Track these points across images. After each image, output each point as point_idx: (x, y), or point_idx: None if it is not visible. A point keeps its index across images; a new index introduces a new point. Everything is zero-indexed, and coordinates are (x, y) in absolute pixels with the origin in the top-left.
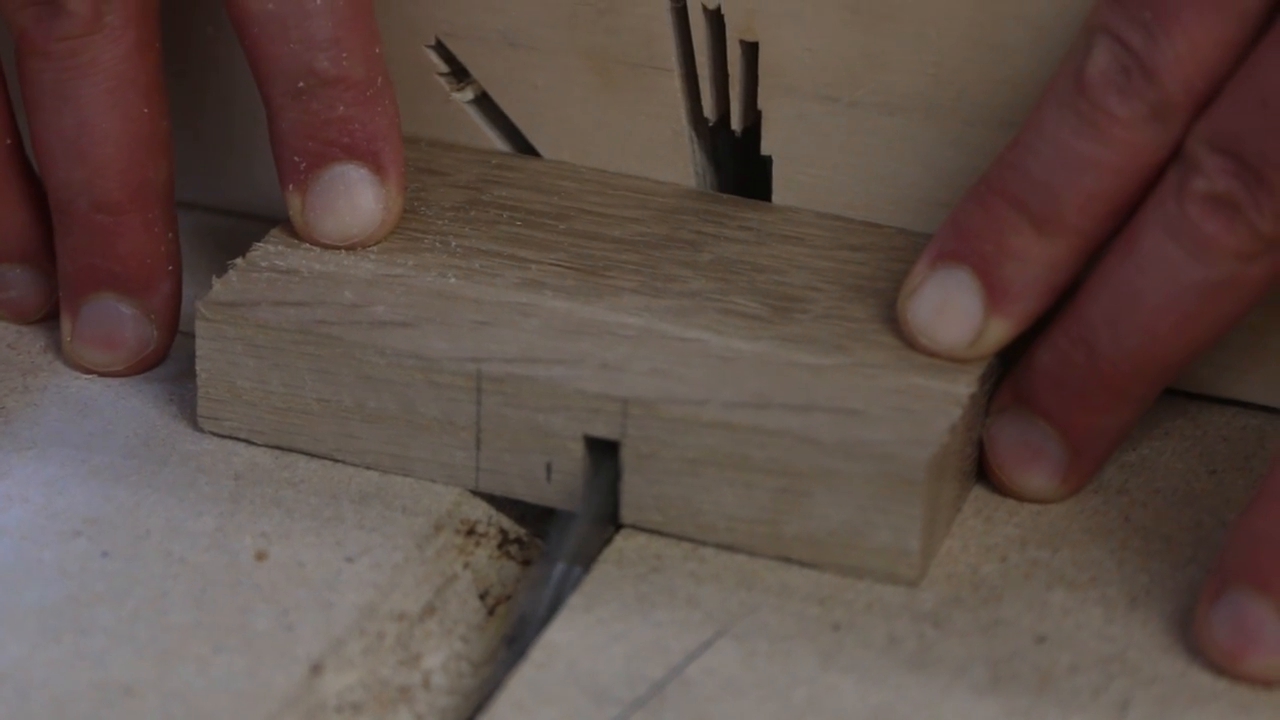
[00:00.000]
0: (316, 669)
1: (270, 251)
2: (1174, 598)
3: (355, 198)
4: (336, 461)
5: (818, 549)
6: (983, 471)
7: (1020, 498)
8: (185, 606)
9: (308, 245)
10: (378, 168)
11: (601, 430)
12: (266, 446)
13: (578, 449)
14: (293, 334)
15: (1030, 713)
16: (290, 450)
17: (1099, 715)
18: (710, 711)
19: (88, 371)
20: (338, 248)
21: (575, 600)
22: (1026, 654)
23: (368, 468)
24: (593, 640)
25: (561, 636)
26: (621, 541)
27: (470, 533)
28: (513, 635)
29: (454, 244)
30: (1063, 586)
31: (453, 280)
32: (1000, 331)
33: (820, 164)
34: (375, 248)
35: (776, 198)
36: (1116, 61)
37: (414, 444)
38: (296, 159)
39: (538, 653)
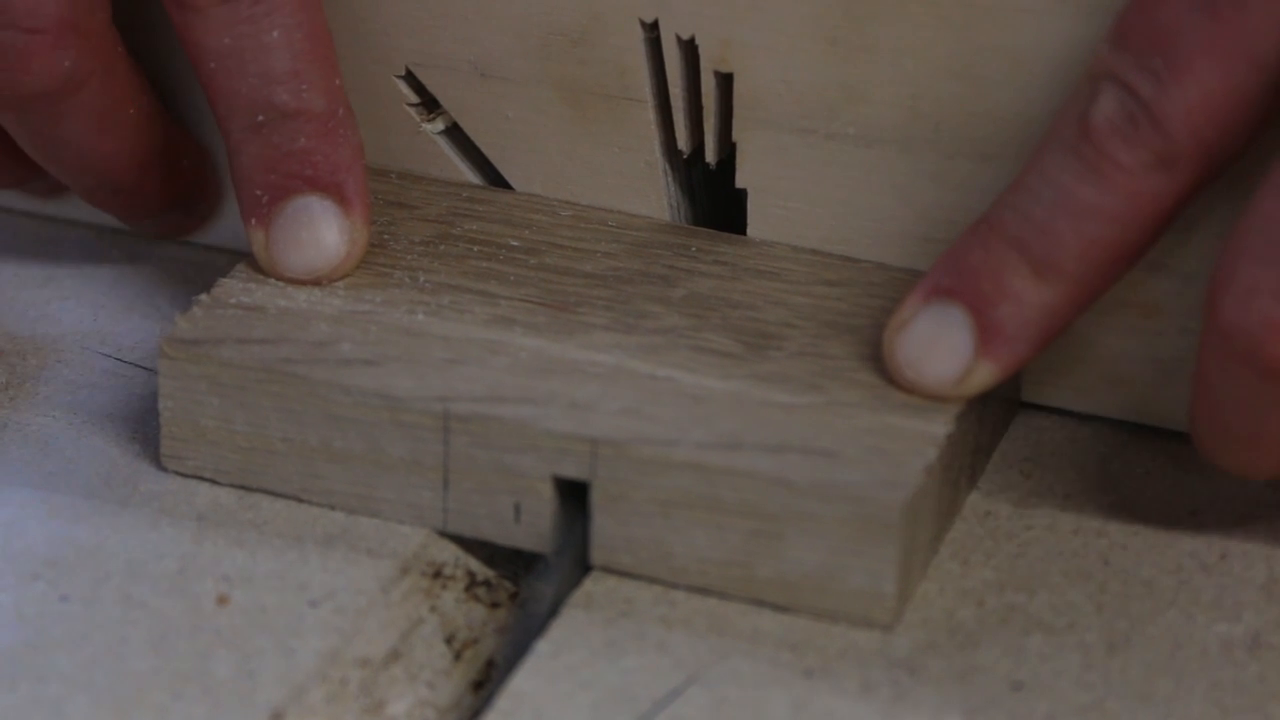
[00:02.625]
0: (277, 717)
1: (235, 288)
2: (1154, 644)
3: (319, 231)
4: (302, 502)
5: (791, 592)
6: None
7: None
8: (144, 653)
9: (274, 281)
10: (341, 199)
11: (571, 471)
12: (231, 486)
13: (547, 490)
14: (257, 372)
15: None
16: (255, 490)
17: None
18: None
19: (289, 279)
20: (303, 283)
21: (542, 646)
22: (1003, 702)
23: (334, 508)
24: (559, 688)
25: (527, 684)
26: (590, 584)
27: (437, 575)
28: (480, 680)
29: (423, 279)
30: (1040, 631)
31: (421, 317)
32: (987, 374)
33: (796, 197)
34: (342, 283)
35: (752, 231)
36: (1123, 109)
37: (381, 484)
38: (258, 193)
39: (503, 701)
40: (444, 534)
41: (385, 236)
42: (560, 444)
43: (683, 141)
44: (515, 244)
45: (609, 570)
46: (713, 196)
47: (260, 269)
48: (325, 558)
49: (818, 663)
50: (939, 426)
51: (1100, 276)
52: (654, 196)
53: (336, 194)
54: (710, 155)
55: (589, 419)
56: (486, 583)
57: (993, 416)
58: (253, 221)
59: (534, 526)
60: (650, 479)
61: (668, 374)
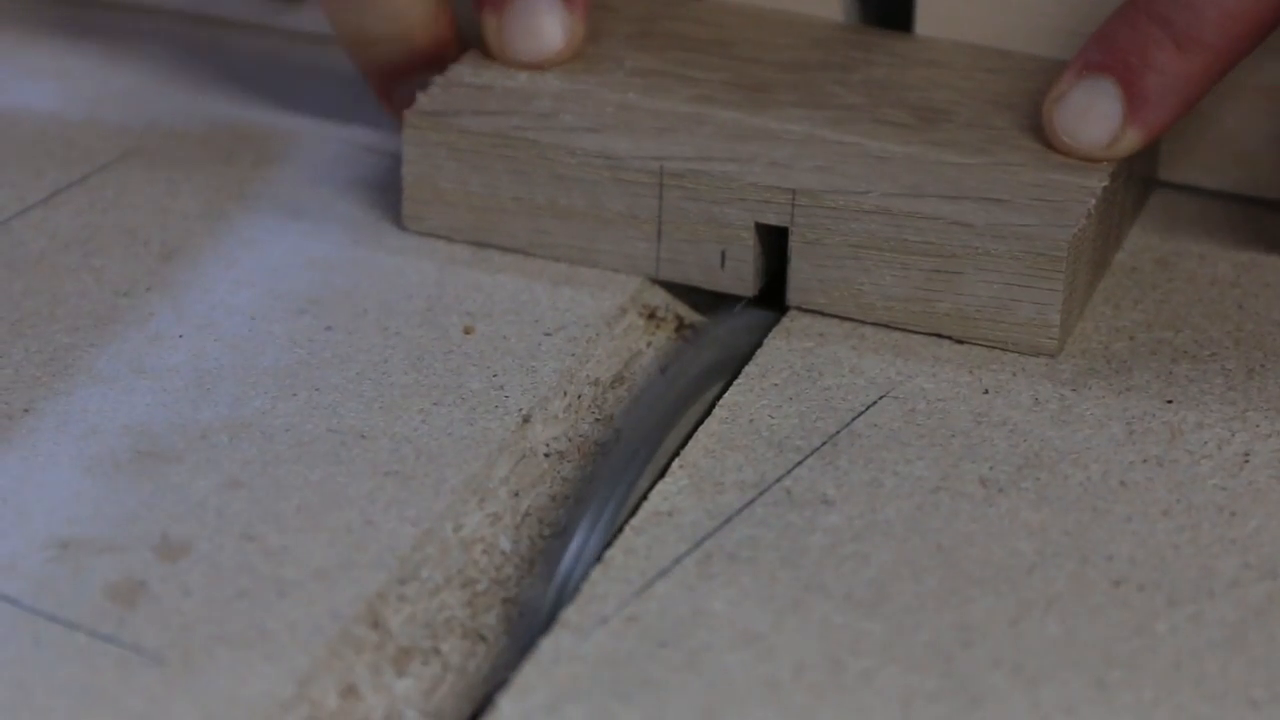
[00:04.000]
0: (527, 419)
1: (465, 71)
2: None
3: (544, 21)
4: (529, 255)
5: (967, 324)
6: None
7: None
8: (405, 370)
9: (498, 67)
10: None
11: (772, 219)
12: (465, 243)
13: (750, 237)
14: (491, 138)
15: (1163, 460)
16: (487, 245)
17: (1224, 463)
18: (879, 457)
19: (514, 64)
20: (526, 67)
21: (750, 368)
22: (1157, 414)
23: (557, 260)
24: (769, 400)
25: (741, 398)
26: (788, 321)
27: (651, 316)
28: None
29: (629, 65)
30: (1186, 360)
31: (631, 95)
32: (1135, 137)
33: None
34: (558, 70)
35: (919, 29)
36: None
37: (600, 237)
38: None
39: (721, 410)
40: (655, 281)
41: (595, 31)
42: (763, 195)
43: None
44: (709, 39)
45: (804, 309)
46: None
47: (488, 55)
48: (554, 298)
49: (993, 382)
50: (1096, 180)
51: (1235, 47)
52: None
53: None
54: None
55: (787, 174)
56: (693, 325)
57: (1135, 188)
58: (486, 10)
59: (738, 271)
60: (843, 224)
61: (854, 140)
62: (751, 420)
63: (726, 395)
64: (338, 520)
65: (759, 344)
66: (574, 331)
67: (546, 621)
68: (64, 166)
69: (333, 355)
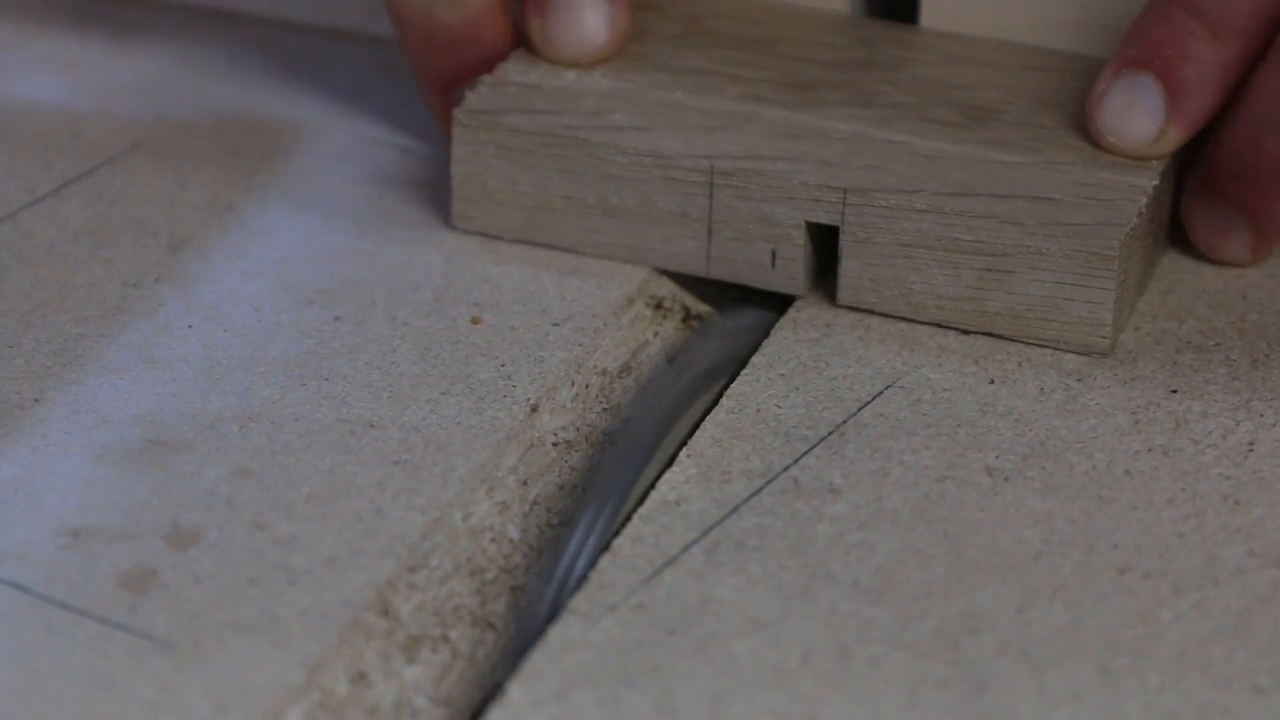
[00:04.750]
0: (534, 409)
1: (513, 70)
2: None
3: (588, 15)
4: (579, 253)
5: (1018, 323)
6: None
7: (1222, 264)
8: (413, 359)
9: (546, 66)
10: None
11: (823, 217)
12: (515, 242)
13: (800, 236)
14: (541, 137)
15: (1168, 449)
16: (536, 244)
17: (1228, 452)
18: (885, 446)
19: (560, 61)
20: (572, 63)
21: (756, 359)
22: (1162, 403)
23: (607, 259)
24: (776, 390)
25: (748, 388)
26: (794, 312)
27: (658, 306)
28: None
29: (675, 65)
30: (1191, 350)
31: (679, 94)
32: (1179, 130)
33: None
34: (606, 68)
35: (925, 20)
36: None
37: (650, 236)
38: None
39: (728, 400)
40: (662, 272)
41: (640, 30)
42: (814, 194)
43: None
44: (754, 37)
45: (855, 308)
46: None
47: (533, 55)
48: (562, 288)
49: (998, 372)
50: (1146, 179)
51: (1268, 30)
52: None
53: None
54: None
55: (838, 172)
56: (699, 316)
57: (1177, 184)
58: (530, 9)
59: (788, 270)
60: (894, 223)
61: (903, 138)
62: (758, 410)
63: (733, 385)
64: (347, 509)
65: (765, 337)
66: (581, 322)
67: (551, 610)
68: (73, 158)
69: (341, 345)
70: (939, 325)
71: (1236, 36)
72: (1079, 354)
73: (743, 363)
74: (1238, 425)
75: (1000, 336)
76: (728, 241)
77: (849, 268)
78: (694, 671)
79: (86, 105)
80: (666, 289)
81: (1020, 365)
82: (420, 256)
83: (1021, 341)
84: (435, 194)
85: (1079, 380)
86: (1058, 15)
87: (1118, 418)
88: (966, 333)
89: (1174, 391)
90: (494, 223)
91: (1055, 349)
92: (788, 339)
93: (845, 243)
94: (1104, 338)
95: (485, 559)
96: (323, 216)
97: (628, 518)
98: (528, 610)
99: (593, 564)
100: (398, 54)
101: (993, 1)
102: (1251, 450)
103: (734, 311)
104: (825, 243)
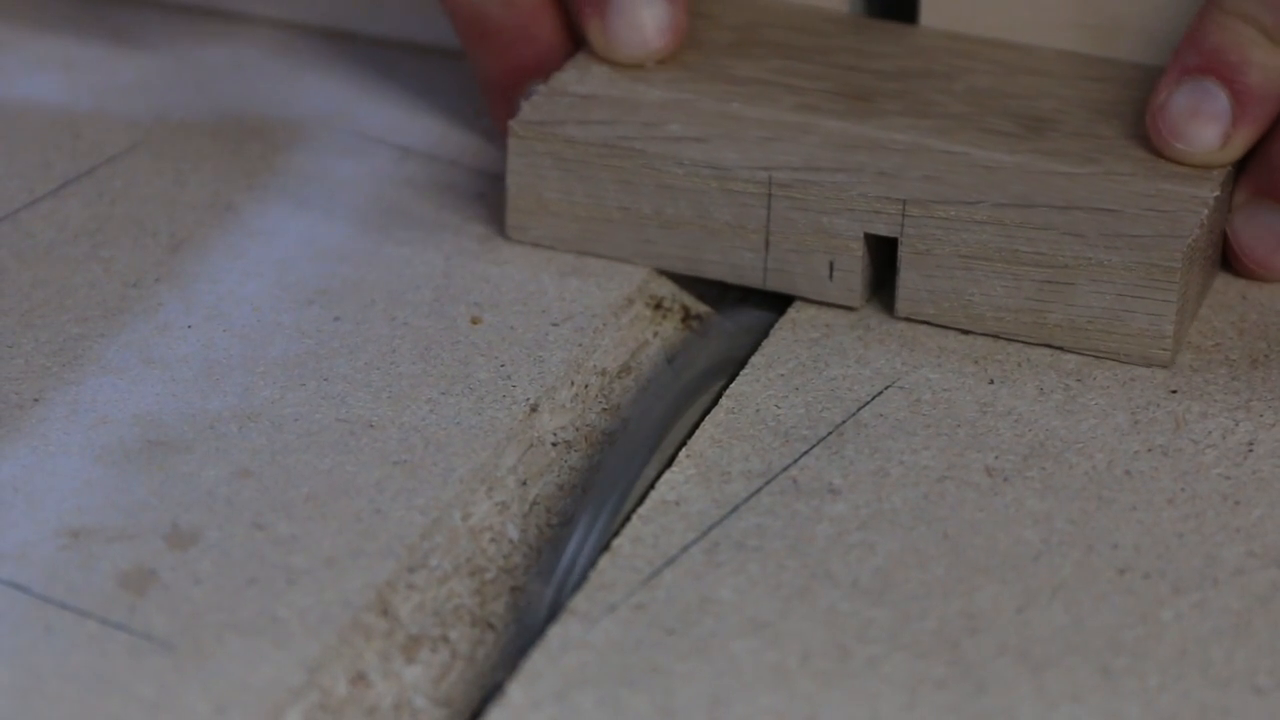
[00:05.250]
0: (534, 409)
1: (568, 79)
2: None
3: (646, 15)
4: (634, 263)
5: (1079, 335)
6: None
7: (1270, 279)
8: (413, 359)
9: (601, 75)
10: None
11: (882, 229)
12: (570, 253)
13: (859, 248)
14: (597, 148)
15: (1168, 449)
16: (590, 255)
17: (1228, 452)
18: (885, 446)
19: (622, 61)
20: (632, 64)
21: (756, 359)
22: (1162, 403)
23: (663, 270)
24: (775, 391)
25: (747, 388)
26: (794, 312)
27: (658, 306)
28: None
29: (731, 74)
30: (1191, 351)
31: (735, 105)
32: (1247, 134)
33: None
34: (661, 79)
35: (925, 20)
36: None
37: (707, 247)
38: None
39: (727, 400)
40: (663, 273)
41: (694, 39)
42: (873, 205)
43: None
44: (809, 47)
45: (913, 320)
46: None
47: (590, 64)
48: (561, 288)
49: (998, 372)
50: (1207, 190)
51: None
52: None
53: None
54: None
55: (896, 184)
56: (699, 316)
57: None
58: (588, 10)
59: (846, 282)
60: (954, 234)
61: (961, 149)
62: (758, 410)
63: (733, 385)
64: (347, 509)
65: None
66: (581, 322)
67: (550, 610)
68: (72, 158)
69: (341, 345)
70: (997, 336)
71: None
72: (1140, 365)
73: (742, 363)
74: (1237, 425)
75: (1056, 347)
76: (785, 253)
77: (907, 279)
78: (694, 672)
79: (86, 105)
80: (666, 289)
81: (1020, 365)
82: (420, 256)
83: (1082, 354)
84: (435, 194)
85: (1079, 380)
86: (1058, 15)
87: (1117, 418)
88: (966, 332)
89: (1173, 392)
90: (548, 234)
91: (1115, 360)
92: (787, 339)
93: (904, 254)
94: (1165, 350)
95: (485, 559)
96: (322, 216)
97: (628, 517)
98: (530, 610)
99: (593, 563)
100: (396, 54)
101: (992, 2)
102: (1251, 450)
103: (733, 311)
104: (883, 254)
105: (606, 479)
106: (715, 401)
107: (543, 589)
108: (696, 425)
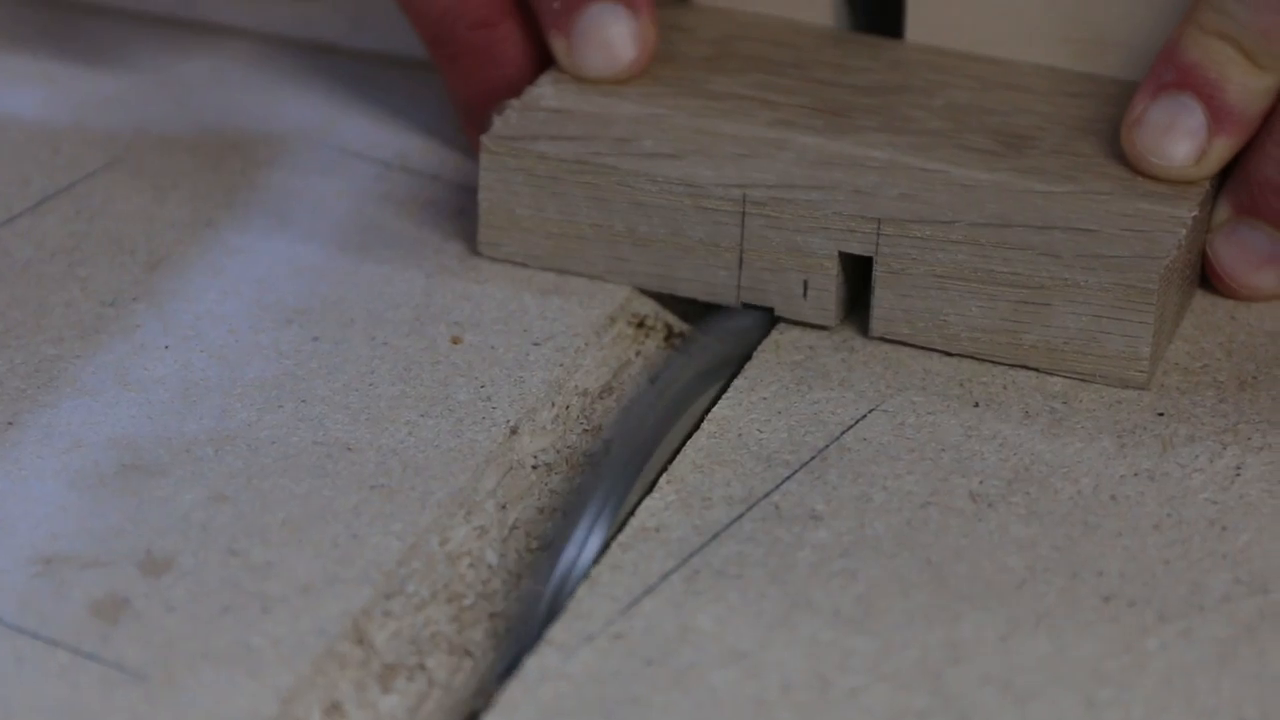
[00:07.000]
0: (514, 431)
1: (541, 94)
2: None
3: (612, 32)
4: (604, 280)
5: (1055, 356)
6: (1205, 281)
7: (1251, 299)
8: (392, 381)
9: (575, 90)
10: (629, 3)
11: (856, 248)
12: (542, 270)
13: (833, 266)
14: (570, 164)
15: (1154, 474)
16: (564, 273)
17: (1215, 476)
18: (868, 472)
19: (590, 79)
20: (603, 81)
21: (739, 382)
22: (1148, 426)
23: (637, 288)
24: (758, 414)
25: (730, 412)
26: (777, 334)
27: (640, 325)
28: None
29: (707, 89)
30: (1178, 372)
31: (711, 120)
32: (1224, 148)
33: (950, 4)
34: (635, 93)
35: (909, 35)
36: None
37: (680, 265)
38: (555, 5)
39: (709, 424)
40: (644, 291)
41: (670, 53)
42: (847, 224)
43: None
44: (785, 60)
45: (887, 340)
46: (870, 5)
47: (562, 79)
48: (543, 307)
49: (983, 395)
50: (1185, 210)
51: None
52: (819, 5)
53: (625, 0)
54: None
55: (872, 202)
56: (682, 334)
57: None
58: (554, 31)
59: (820, 301)
60: (929, 254)
61: (938, 167)
62: (740, 435)
63: (715, 409)
64: (323, 534)
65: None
66: (562, 341)
67: (540, 630)
68: (51, 174)
69: (319, 366)
70: (973, 357)
71: (1275, 67)
72: (1117, 387)
73: (728, 376)
74: (1225, 449)
75: (1032, 368)
76: (759, 271)
77: (882, 299)
78: (672, 703)
79: (65, 120)
80: (648, 307)
81: (1005, 388)
82: (400, 274)
83: (1058, 375)
84: (416, 210)
85: (1064, 403)
86: (1043, 30)
87: (1103, 441)
88: (950, 354)
89: (1160, 414)
90: (520, 250)
91: (1091, 382)
92: (770, 361)
93: (879, 274)
94: (1142, 372)
95: (463, 585)
96: (303, 233)
97: (631, 511)
98: (509, 637)
99: (593, 562)
100: (377, 68)
101: (977, 16)
102: (1238, 475)
103: (715, 323)
104: (859, 273)
105: (612, 472)
106: (698, 424)
107: (529, 613)
108: (679, 449)
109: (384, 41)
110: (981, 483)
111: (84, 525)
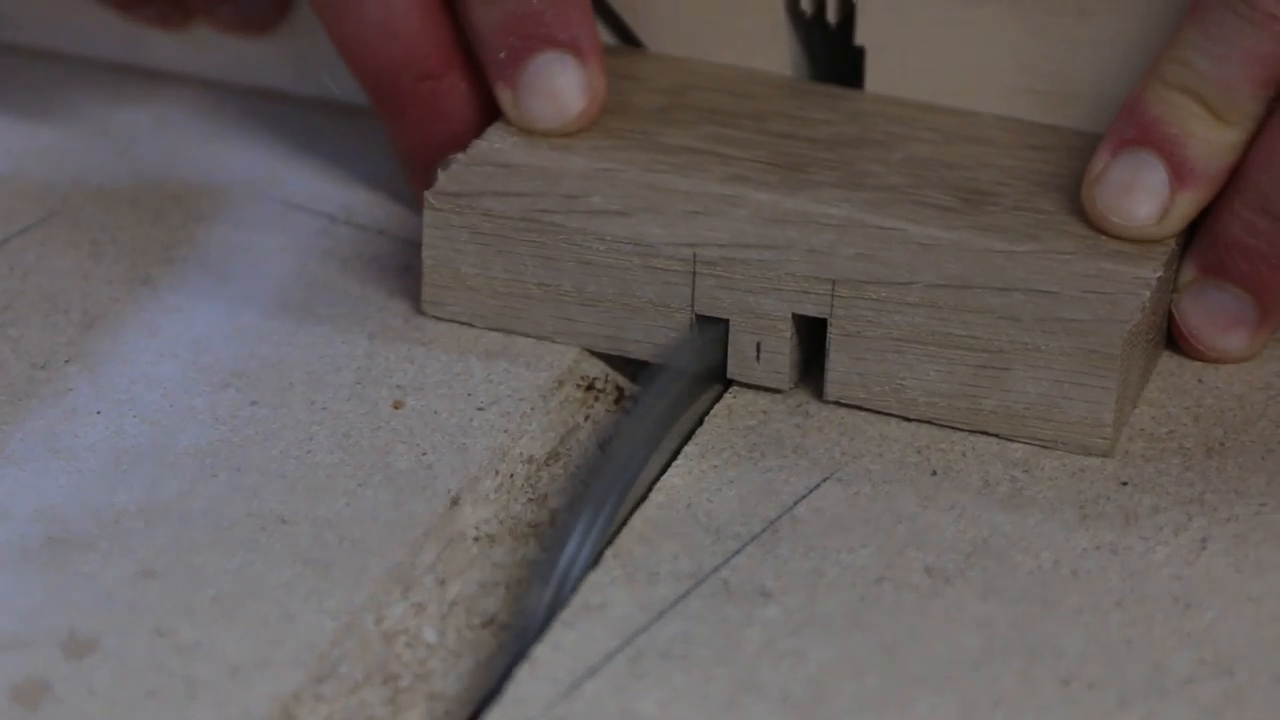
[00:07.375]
0: (455, 502)
1: (488, 148)
2: (1247, 449)
3: (560, 83)
4: (553, 341)
5: (1015, 422)
6: (1172, 342)
7: (1219, 361)
8: (330, 448)
9: (523, 143)
10: (578, 53)
11: (810, 310)
12: (488, 330)
13: (787, 329)
14: (516, 222)
15: (1117, 547)
16: (511, 333)
17: (1179, 549)
18: (820, 545)
19: (539, 131)
20: (553, 133)
21: (690, 449)
22: (1111, 495)
23: (585, 349)
24: (707, 484)
25: (679, 481)
26: (730, 398)
27: (590, 388)
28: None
29: (659, 142)
30: (1143, 439)
31: (662, 175)
32: (1187, 205)
33: (910, 53)
34: (585, 147)
35: (869, 86)
36: None
37: (629, 325)
38: (500, 55)
39: (658, 494)
40: (594, 353)
41: (621, 104)
42: (801, 285)
43: (805, 2)
44: (741, 111)
45: (842, 404)
46: (833, 55)
47: (510, 131)
48: (489, 370)
49: (941, 462)
50: (1149, 270)
51: (1267, 109)
52: (778, 54)
53: (573, 49)
54: (831, 15)
55: (827, 262)
56: (634, 397)
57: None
58: (500, 83)
59: (773, 364)
60: (885, 316)
61: (896, 225)
62: (689, 505)
63: (664, 478)
64: (254, 613)
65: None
66: (508, 406)
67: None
68: None
69: (256, 432)
70: (930, 422)
71: (1240, 121)
72: (1079, 454)
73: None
74: (1190, 520)
75: (991, 434)
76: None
77: (837, 362)
78: None
79: (0, 169)
80: (598, 369)
81: (964, 455)
82: (342, 335)
83: (1018, 442)
84: (360, 267)
85: (1025, 471)
86: (1007, 81)
87: (1065, 512)
88: (908, 420)
89: (1124, 484)
90: (465, 310)
91: (1052, 449)
92: (722, 427)
93: (834, 336)
94: (1105, 439)
95: (399, 665)
96: (243, 291)
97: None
98: (448, 718)
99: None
100: (324, 116)
101: (939, 66)
102: (1204, 548)
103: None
104: (813, 334)
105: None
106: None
107: (542, 589)
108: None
109: (330, 89)
110: (938, 557)
111: (6, 603)
